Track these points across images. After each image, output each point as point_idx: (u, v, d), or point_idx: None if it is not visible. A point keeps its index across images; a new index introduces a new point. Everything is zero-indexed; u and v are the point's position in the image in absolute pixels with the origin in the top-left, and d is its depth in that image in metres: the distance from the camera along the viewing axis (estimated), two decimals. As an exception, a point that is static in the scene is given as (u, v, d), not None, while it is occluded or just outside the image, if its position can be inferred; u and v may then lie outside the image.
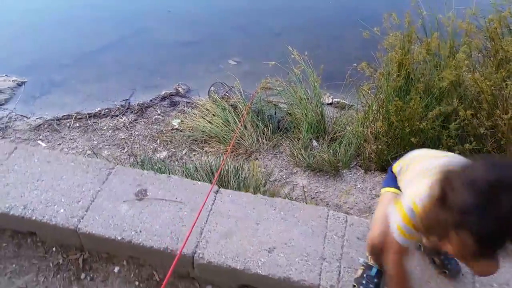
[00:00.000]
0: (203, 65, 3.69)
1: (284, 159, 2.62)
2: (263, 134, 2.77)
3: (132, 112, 3.13)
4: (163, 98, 3.30)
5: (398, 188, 1.42)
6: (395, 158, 1.41)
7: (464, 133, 2.24)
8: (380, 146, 2.39)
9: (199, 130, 2.83)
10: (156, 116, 3.10)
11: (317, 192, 2.36)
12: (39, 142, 2.81)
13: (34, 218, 1.71)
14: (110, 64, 3.68)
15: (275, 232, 1.69)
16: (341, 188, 2.38)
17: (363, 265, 1.55)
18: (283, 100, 3.05)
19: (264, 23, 4.18)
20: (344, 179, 2.45)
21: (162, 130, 2.94)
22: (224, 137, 2.74)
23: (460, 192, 0.91)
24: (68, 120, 3.02)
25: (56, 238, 1.80)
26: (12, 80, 3.42)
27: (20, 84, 3.41)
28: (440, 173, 0.99)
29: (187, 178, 2.11)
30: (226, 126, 2.81)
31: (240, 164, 2.44)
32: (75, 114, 3.07)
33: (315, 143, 2.69)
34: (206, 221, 1.73)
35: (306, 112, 2.75)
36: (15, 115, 3.07)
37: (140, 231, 1.67)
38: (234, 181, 2.24)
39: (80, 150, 2.76)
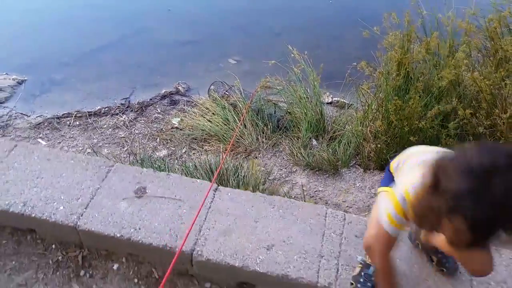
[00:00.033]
0: (203, 64, 3.69)
1: (283, 158, 2.63)
2: (263, 133, 2.77)
3: (132, 110, 3.14)
4: (163, 97, 3.31)
5: None
6: (394, 157, 1.41)
7: (463, 132, 2.25)
8: (379, 145, 2.39)
9: (198, 128, 2.83)
10: (156, 115, 3.11)
11: (316, 190, 2.37)
12: (39, 140, 2.82)
13: (33, 215, 1.72)
14: (110, 63, 3.68)
15: (274, 230, 1.69)
16: (340, 187, 2.39)
17: (361, 263, 1.56)
18: (283, 99, 3.05)
19: (264, 23, 4.18)
20: (343, 178, 2.46)
21: (162, 129, 2.95)
22: (223, 135, 2.75)
23: (454, 177, 0.89)
24: (68, 119, 3.03)
25: (55, 235, 1.81)
26: (12, 79, 3.42)
27: (20, 83, 3.41)
28: (433, 162, 0.97)
29: (186, 176, 2.11)
30: (225, 125, 2.81)
31: (240, 162, 2.44)
32: (75, 113, 3.08)
33: (314, 142, 2.70)
34: (205, 218, 1.73)
35: (305, 111, 2.75)
36: (15, 113, 3.08)
37: (139, 229, 1.68)
38: (234, 180, 2.24)
39: (80, 148, 2.76)
